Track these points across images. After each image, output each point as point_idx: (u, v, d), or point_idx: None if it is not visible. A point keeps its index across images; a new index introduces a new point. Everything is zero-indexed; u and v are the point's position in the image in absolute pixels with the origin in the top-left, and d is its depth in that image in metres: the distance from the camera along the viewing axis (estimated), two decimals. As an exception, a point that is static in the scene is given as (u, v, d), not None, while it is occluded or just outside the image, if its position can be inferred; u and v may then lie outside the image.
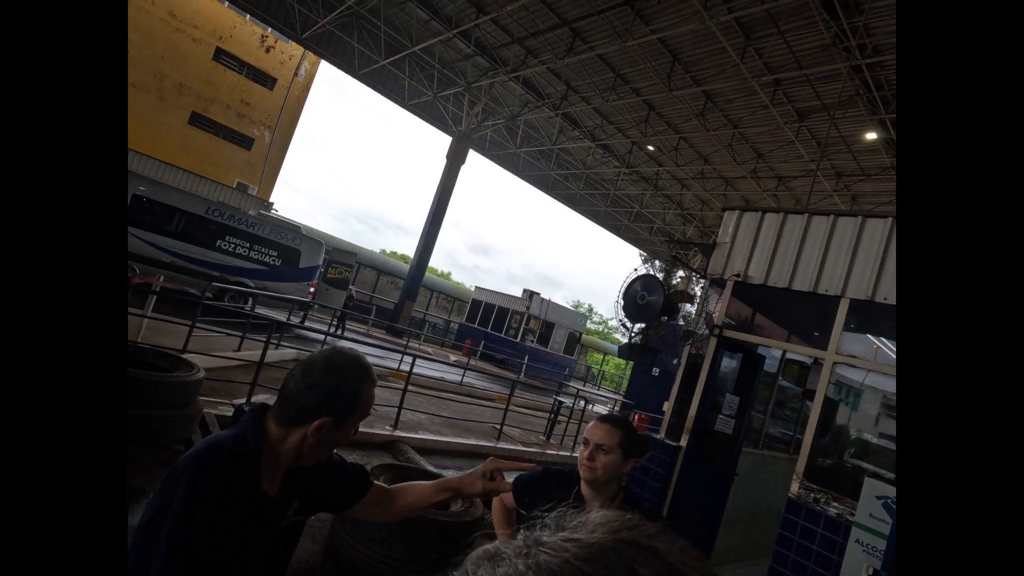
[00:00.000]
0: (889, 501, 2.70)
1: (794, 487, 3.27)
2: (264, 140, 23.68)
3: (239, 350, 7.31)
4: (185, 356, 4.89)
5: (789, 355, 5.91)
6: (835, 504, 3.11)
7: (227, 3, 19.22)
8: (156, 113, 20.45)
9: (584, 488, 1.68)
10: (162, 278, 9.61)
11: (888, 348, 4.84)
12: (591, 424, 1.70)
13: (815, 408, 3.39)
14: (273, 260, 12.36)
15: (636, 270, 3.65)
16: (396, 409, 6.61)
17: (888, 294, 3.34)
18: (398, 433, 6.38)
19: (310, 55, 23.35)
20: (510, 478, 1.87)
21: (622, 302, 3.84)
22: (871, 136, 13.02)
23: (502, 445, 7.47)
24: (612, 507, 1.69)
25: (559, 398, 9.81)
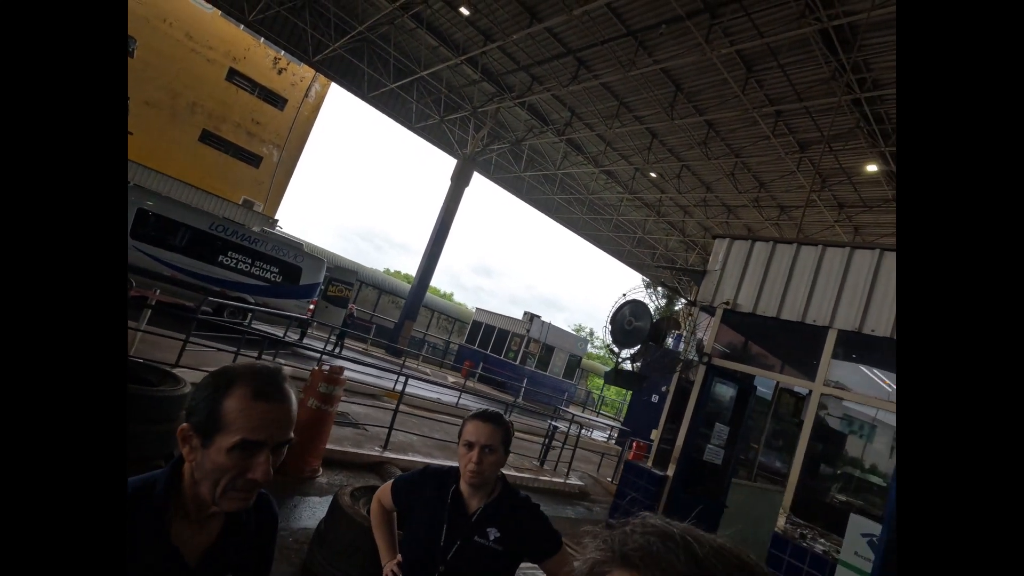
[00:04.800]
0: (874, 539, 2.63)
1: (780, 521, 3.18)
2: (272, 158, 24.07)
3: (233, 366, 7.27)
4: (175, 371, 4.88)
5: (784, 385, 5.83)
6: (822, 540, 3.03)
7: (242, 26, 19.75)
8: (168, 130, 20.86)
9: (464, 487, 1.59)
10: (158, 291, 9.65)
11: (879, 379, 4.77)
12: (470, 424, 1.57)
13: (802, 439, 3.33)
14: (274, 276, 12.43)
15: (624, 295, 3.64)
16: (386, 430, 6.54)
17: (876, 326, 3.31)
18: (387, 454, 6.29)
19: (321, 77, 23.90)
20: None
21: (610, 327, 3.83)
22: (872, 168, 13.12)
23: (494, 469, 7.35)
24: (492, 500, 1.60)
25: (554, 423, 9.69)
